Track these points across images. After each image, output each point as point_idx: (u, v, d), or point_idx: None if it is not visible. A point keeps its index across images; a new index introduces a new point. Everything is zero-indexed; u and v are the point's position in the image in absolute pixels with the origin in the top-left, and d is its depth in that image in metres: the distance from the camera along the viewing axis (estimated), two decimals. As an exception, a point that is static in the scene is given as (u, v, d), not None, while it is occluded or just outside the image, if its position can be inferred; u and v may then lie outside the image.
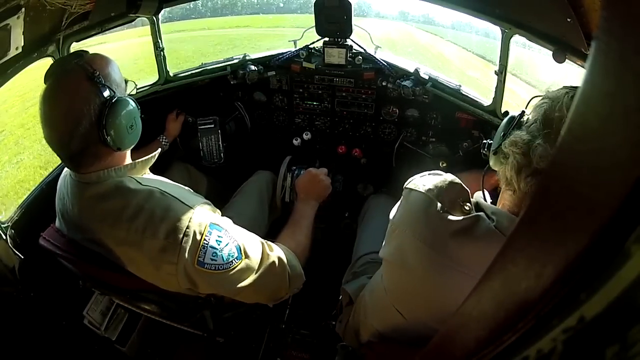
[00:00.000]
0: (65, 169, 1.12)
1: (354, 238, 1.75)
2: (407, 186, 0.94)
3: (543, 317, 0.29)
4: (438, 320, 0.89)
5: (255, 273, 1.04)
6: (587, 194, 0.27)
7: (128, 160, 1.09)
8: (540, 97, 0.84)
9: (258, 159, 2.09)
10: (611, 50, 0.25)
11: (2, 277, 1.31)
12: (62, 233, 1.13)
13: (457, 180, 0.90)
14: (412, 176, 1.00)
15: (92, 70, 0.96)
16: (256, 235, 1.13)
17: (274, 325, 1.82)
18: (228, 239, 1.01)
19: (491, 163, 0.90)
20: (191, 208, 0.99)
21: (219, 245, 0.98)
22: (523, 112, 0.85)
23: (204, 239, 0.96)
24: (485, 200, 0.90)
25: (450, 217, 0.82)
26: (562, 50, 1.25)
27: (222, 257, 0.98)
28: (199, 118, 2.00)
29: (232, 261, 0.99)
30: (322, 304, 1.78)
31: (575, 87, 0.85)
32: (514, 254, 0.35)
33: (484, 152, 0.95)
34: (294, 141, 2.17)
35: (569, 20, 1.07)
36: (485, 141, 0.97)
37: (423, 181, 0.92)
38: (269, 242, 1.14)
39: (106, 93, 0.97)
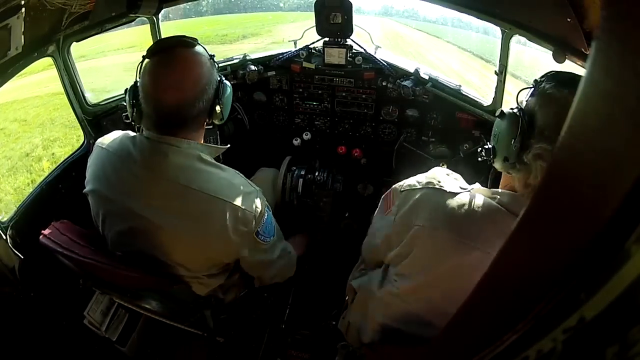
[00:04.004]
0: (113, 135, 1.18)
1: (354, 238, 1.74)
2: (402, 189, 1.02)
3: (543, 317, 0.29)
4: (451, 300, 0.92)
5: (277, 250, 1.27)
6: (587, 193, 0.27)
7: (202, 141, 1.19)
8: (534, 91, 0.86)
9: (258, 159, 2.09)
10: (611, 50, 0.25)
11: (2, 277, 1.31)
12: (104, 196, 1.13)
13: (442, 168, 1.02)
14: (412, 176, 1.03)
15: (210, 54, 1.12)
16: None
17: (274, 325, 1.82)
18: (272, 218, 1.22)
19: (500, 167, 0.92)
20: (256, 189, 1.17)
21: (269, 221, 1.19)
22: (522, 113, 0.85)
23: (264, 214, 1.15)
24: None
25: (451, 198, 0.90)
26: (562, 50, 1.25)
27: (270, 231, 1.19)
28: None
29: (271, 236, 1.20)
30: (322, 304, 1.78)
31: (570, 76, 0.86)
32: (514, 254, 0.35)
33: (488, 158, 0.95)
34: (294, 141, 2.17)
35: (569, 20, 1.07)
36: (486, 146, 0.97)
37: (417, 179, 1.01)
38: None
39: (217, 74, 1.13)
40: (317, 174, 1.94)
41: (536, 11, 1.29)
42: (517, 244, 0.35)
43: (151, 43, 1.15)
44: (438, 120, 1.98)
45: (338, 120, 2.13)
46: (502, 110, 0.92)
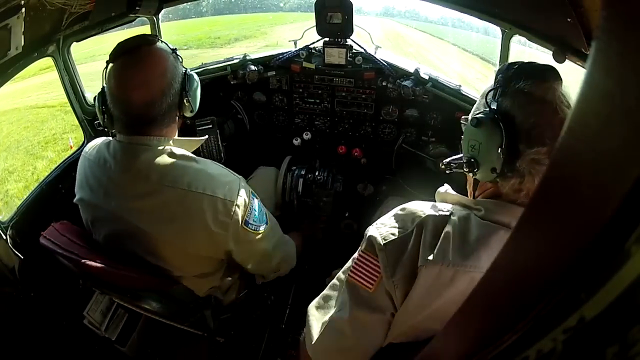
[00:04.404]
0: (94, 143, 1.18)
1: (354, 238, 1.74)
2: (386, 242, 0.83)
3: (543, 317, 0.29)
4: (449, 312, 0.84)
5: (274, 239, 1.25)
6: (587, 194, 0.27)
7: (176, 136, 1.18)
8: (499, 89, 0.80)
9: (258, 159, 2.09)
10: (611, 50, 0.25)
11: (2, 277, 1.30)
12: (89, 203, 1.14)
13: (407, 204, 0.89)
14: (412, 176, 0.98)
15: (172, 48, 1.12)
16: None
17: (274, 325, 1.82)
18: (261, 206, 1.20)
19: (485, 178, 0.83)
20: (238, 177, 1.15)
21: (258, 209, 1.16)
22: (501, 117, 0.77)
23: (250, 202, 1.13)
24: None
25: (439, 225, 0.81)
26: (562, 50, 1.25)
27: (260, 219, 1.17)
28: (196, 119, 2.00)
29: (263, 225, 1.18)
30: None
31: (542, 67, 0.80)
32: (514, 254, 0.35)
33: (471, 171, 0.84)
34: (294, 141, 2.17)
35: (569, 20, 1.07)
36: (459, 161, 0.88)
37: (392, 224, 0.86)
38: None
39: (182, 67, 1.14)
40: (317, 173, 1.94)
41: (536, 11, 1.29)
42: (517, 244, 0.35)
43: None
44: (438, 120, 1.98)
45: (338, 120, 2.14)
46: (476, 118, 0.80)
